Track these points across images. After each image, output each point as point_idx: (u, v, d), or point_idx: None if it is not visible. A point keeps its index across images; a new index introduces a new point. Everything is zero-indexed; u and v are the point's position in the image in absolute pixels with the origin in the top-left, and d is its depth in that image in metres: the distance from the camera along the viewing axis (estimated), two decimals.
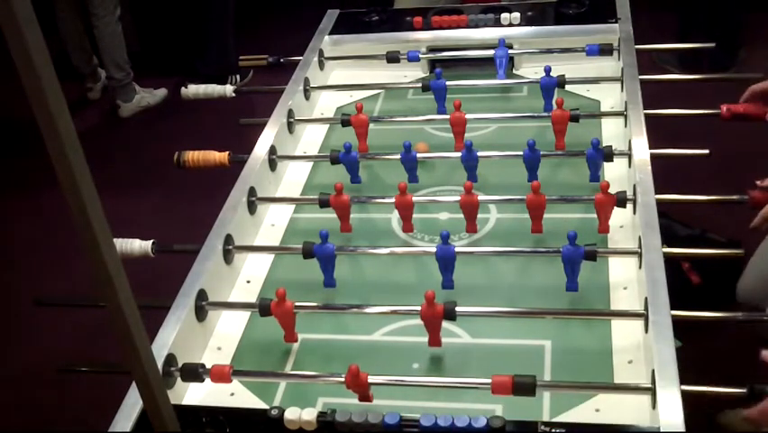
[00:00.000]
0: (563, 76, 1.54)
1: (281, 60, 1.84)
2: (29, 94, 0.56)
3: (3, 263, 2.82)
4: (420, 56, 1.74)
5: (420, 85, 1.59)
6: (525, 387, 0.94)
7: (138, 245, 1.27)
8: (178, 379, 1.05)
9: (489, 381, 0.95)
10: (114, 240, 0.67)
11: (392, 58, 1.74)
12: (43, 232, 2.89)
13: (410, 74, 1.80)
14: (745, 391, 0.95)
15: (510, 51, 1.72)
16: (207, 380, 1.04)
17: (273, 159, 1.47)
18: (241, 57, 1.94)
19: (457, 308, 1.06)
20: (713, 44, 1.74)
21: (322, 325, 1.19)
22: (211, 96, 1.80)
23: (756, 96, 1.43)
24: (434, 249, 1.18)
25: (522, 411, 0.97)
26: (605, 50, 1.64)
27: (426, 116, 1.56)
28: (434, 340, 1.08)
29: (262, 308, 1.10)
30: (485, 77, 1.70)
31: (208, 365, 1.04)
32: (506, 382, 0.94)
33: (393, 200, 1.29)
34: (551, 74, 1.52)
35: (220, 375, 1.03)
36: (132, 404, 0.97)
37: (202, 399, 1.07)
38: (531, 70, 1.76)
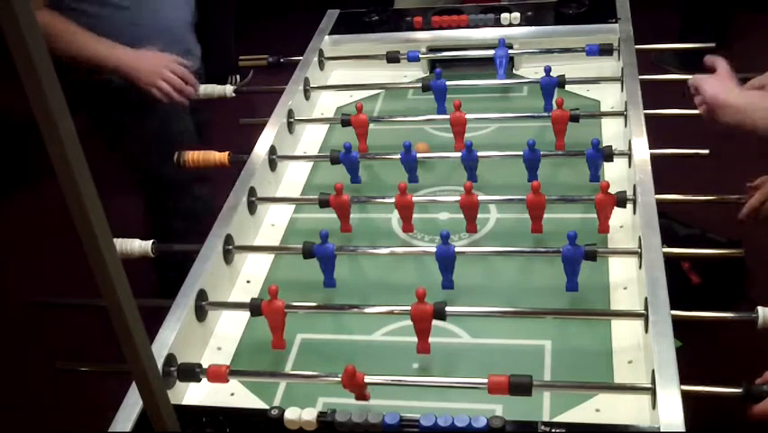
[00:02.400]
0: (563, 76, 1.54)
1: (281, 60, 1.84)
2: (29, 94, 0.56)
3: (2, 262, 2.82)
4: (420, 56, 1.74)
5: (420, 85, 1.60)
6: (521, 387, 0.94)
7: (138, 245, 1.27)
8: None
9: (486, 380, 0.95)
10: (114, 240, 0.67)
11: (392, 58, 1.74)
12: (43, 231, 2.89)
13: (410, 74, 1.80)
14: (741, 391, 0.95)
15: (510, 51, 1.72)
16: (205, 380, 1.04)
17: (273, 159, 1.47)
18: (241, 57, 1.94)
19: (449, 308, 1.06)
20: (713, 44, 1.73)
21: (322, 325, 1.19)
22: (211, 96, 1.80)
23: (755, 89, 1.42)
24: (434, 249, 1.18)
25: (522, 411, 0.96)
26: (605, 50, 1.64)
27: (426, 116, 1.56)
28: (423, 346, 1.08)
29: (253, 307, 1.10)
30: (485, 77, 1.70)
31: (207, 365, 1.04)
32: (502, 382, 0.94)
33: (393, 200, 1.29)
34: (551, 74, 1.52)
35: (216, 375, 1.03)
36: (132, 404, 0.97)
37: (202, 399, 1.07)
38: (531, 70, 1.76)
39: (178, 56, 1.86)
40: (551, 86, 1.52)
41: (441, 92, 1.56)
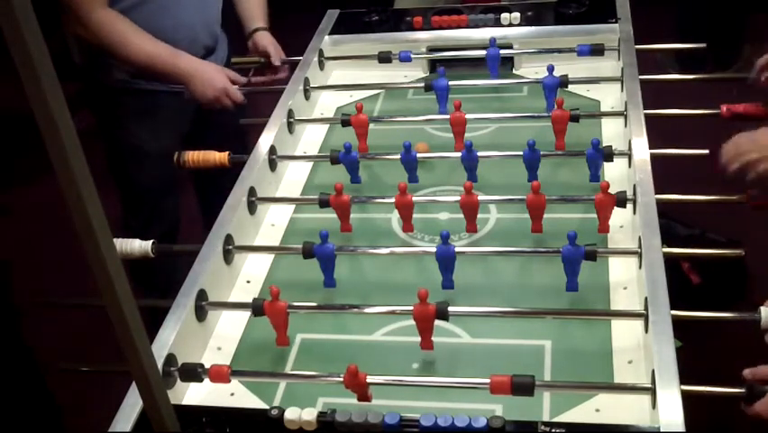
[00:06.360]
0: (566, 75, 1.53)
1: None
2: (29, 94, 0.56)
3: (2, 261, 2.82)
4: (412, 56, 1.73)
5: (422, 85, 1.59)
6: (523, 387, 0.94)
7: (138, 245, 1.27)
8: (178, 379, 1.05)
9: (488, 380, 0.95)
10: (114, 240, 0.67)
11: (384, 58, 1.74)
12: (43, 230, 2.89)
13: (410, 74, 1.80)
14: (743, 391, 0.95)
15: (510, 51, 1.73)
16: (207, 380, 1.04)
17: (273, 159, 1.47)
18: (233, 58, 1.94)
19: (452, 308, 1.06)
20: (703, 44, 1.74)
21: (322, 325, 1.19)
22: None
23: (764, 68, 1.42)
24: (434, 249, 1.18)
25: (522, 411, 0.96)
26: (596, 51, 1.64)
27: (426, 116, 1.56)
28: (426, 343, 1.08)
29: (256, 307, 1.10)
30: (485, 77, 1.70)
31: (208, 365, 1.04)
32: (504, 382, 0.94)
33: (393, 200, 1.29)
34: (553, 73, 1.52)
35: (218, 375, 1.03)
36: (132, 404, 0.97)
37: (202, 399, 1.07)
38: (531, 70, 1.76)
39: (206, 49, 1.87)
40: (554, 85, 1.52)
41: (443, 92, 1.56)
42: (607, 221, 1.25)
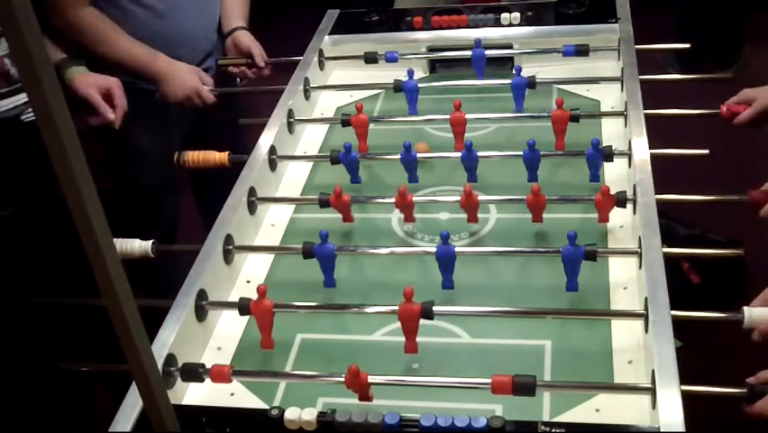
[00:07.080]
0: (534, 77, 1.54)
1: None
2: (29, 94, 0.56)
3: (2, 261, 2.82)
4: (398, 56, 1.73)
5: (426, 85, 1.59)
6: (525, 387, 0.94)
7: (138, 245, 1.27)
8: (179, 379, 1.05)
9: (490, 381, 0.95)
10: (114, 240, 0.67)
11: (370, 59, 1.74)
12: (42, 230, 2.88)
13: None
14: (745, 391, 0.95)
15: (510, 51, 1.72)
16: (207, 380, 1.04)
17: (273, 159, 1.47)
18: (219, 59, 1.93)
19: (440, 308, 1.06)
20: (687, 45, 1.74)
21: (322, 325, 1.19)
22: None
23: (745, 101, 1.42)
24: (434, 249, 1.18)
25: (522, 411, 0.96)
26: (581, 51, 1.64)
27: (426, 116, 1.56)
28: (411, 346, 1.07)
29: (242, 306, 1.10)
30: (484, 77, 1.70)
31: (208, 365, 1.04)
32: (506, 382, 0.94)
33: (393, 200, 1.29)
34: (522, 74, 1.53)
35: (220, 375, 1.03)
36: (132, 404, 0.97)
37: (202, 399, 1.07)
38: (531, 70, 1.75)
39: (205, 54, 1.88)
40: (521, 86, 1.52)
41: (412, 93, 1.57)
42: (606, 215, 1.25)
